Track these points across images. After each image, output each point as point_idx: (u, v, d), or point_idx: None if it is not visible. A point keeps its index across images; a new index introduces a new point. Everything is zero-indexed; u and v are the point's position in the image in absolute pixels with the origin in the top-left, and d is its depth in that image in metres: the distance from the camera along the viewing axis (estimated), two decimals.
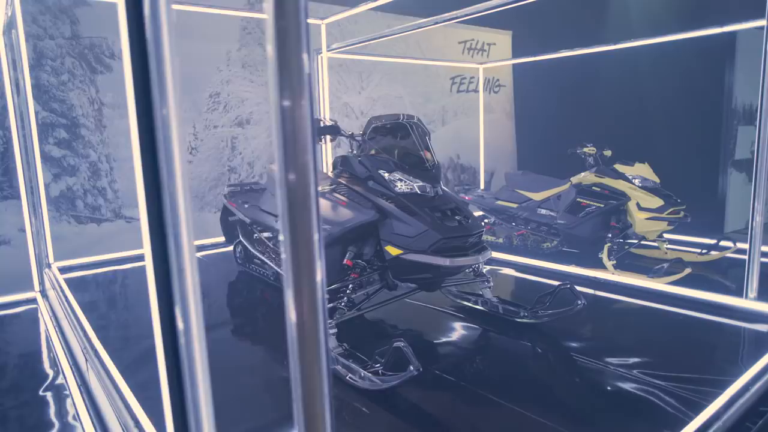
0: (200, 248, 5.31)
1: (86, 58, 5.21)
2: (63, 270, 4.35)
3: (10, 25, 3.97)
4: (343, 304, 2.49)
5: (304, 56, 0.73)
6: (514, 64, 8.74)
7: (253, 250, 3.78)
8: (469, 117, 8.21)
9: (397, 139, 2.73)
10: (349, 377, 2.24)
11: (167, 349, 0.97)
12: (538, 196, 5.07)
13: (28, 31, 4.90)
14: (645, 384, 2.20)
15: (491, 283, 3.00)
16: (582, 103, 7.68)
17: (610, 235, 4.47)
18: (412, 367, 2.03)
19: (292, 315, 0.77)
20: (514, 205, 5.21)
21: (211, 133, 6.04)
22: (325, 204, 2.76)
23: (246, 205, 3.84)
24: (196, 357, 0.95)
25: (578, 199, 4.62)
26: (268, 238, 3.68)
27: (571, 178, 4.89)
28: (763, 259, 2.91)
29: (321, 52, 5.53)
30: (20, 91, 4.03)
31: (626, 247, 4.67)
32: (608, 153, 4.89)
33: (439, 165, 2.74)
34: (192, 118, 5.90)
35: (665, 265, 4.04)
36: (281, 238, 0.76)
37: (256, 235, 3.79)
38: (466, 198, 5.66)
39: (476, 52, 8.28)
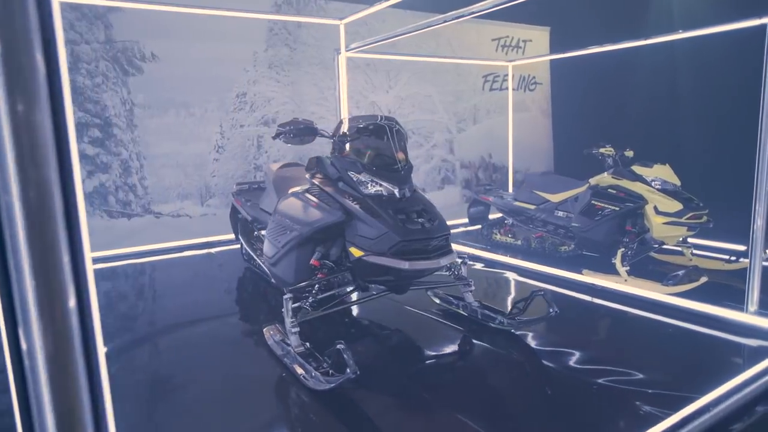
0: (214, 245, 5.47)
1: (119, 61, 5.50)
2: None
3: None
4: (307, 303, 2.52)
5: (38, 54, 0.69)
6: (552, 62, 8.48)
7: (248, 249, 3.89)
8: (502, 115, 8.03)
9: (368, 141, 2.72)
10: (302, 376, 2.27)
11: (16, 372, 0.96)
12: (555, 198, 4.91)
13: (68, 37, 5.23)
14: (601, 397, 2.10)
15: (473, 287, 2.94)
16: (623, 101, 7.35)
17: (626, 240, 4.27)
18: (349, 370, 2.03)
19: (38, 352, 0.75)
20: (532, 207, 5.07)
21: (237, 131, 6.23)
22: (296, 204, 2.81)
23: (248, 203, 3.93)
24: (40, 378, 0.93)
25: (593, 202, 4.44)
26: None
27: (590, 180, 4.70)
28: None
29: (340, 52, 5.57)
30: None
31: (648, 252, 4.45)
32: (630, 154, 4.66)
33: (411, 167, 2.71)
34: (219, 117, 6.10)
35: (681, 272, 3.82)
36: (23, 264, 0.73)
37: (255, 233, 3.88)
38: (488, 199, 5.53)
39: (511, 49, 8.09)
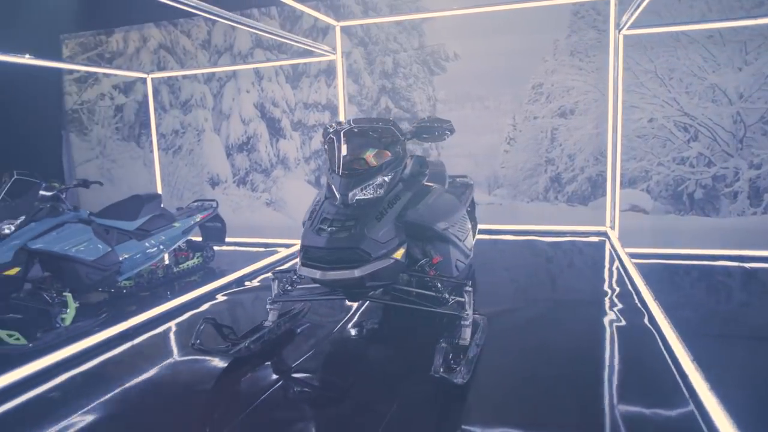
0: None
1: (427, 63, 6.38)
2: None
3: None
4: (288, 287, 2.80)
5: None
6: None
7: None
8: None
9: (331, 145, 2.67)
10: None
11: None
12: None
13: (391, 47, 6.47)
14: None
15: (467, 322, 2.39)
16: None
17: None
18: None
19: None
20: None
21: (530, 123, 6.15)
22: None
23: None
24: None
25: None
26: None
27: None
28: None
29: (621, 29, 4.75)
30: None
31: None
32: None
33: (364, 175, 2.52)
34: (512, 110, 6.19)
35: None
36: None
37: None
38: None
39: None
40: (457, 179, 4.60)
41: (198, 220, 5.07)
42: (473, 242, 4.01)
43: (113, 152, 7.59)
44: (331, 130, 2.78)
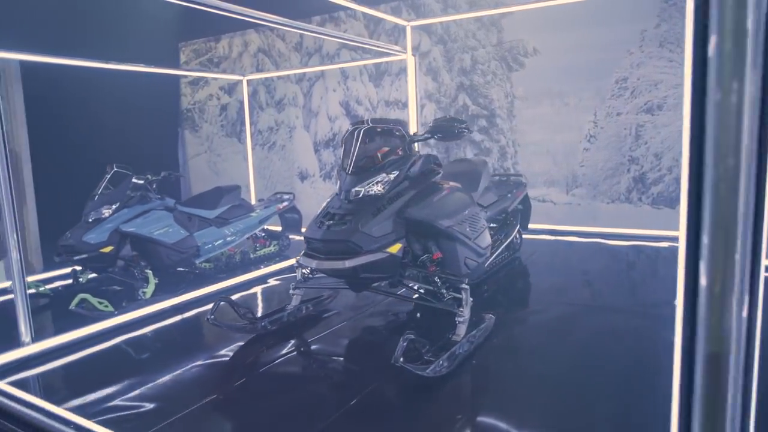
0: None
1: (506, 60, 6.28)
2: None
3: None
4: (308, 274, 3.05)
5: None
6: None
7: None
8: None
9: (349, 143, 2.80)
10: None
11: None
12: None
13: (469, 44, 6.47)
14: None
15: (462, 318, 2.41)
16: None
17: None
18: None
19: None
20: None
21: (612, 120, 5.83)
22: None
23: None
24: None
25: None
26: None
27: None
28: None
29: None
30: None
31: None
32: None
33: (367, 172, 2.68)
34: (594, 106, 5.90)
35: None
36: None
37: None
38: None
39: None
40: (511, 178, 4.57)
41: (274, 210, 5.52)
42: (511, 239, 4.04)
43: (218, 147, 8.42)
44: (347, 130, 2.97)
